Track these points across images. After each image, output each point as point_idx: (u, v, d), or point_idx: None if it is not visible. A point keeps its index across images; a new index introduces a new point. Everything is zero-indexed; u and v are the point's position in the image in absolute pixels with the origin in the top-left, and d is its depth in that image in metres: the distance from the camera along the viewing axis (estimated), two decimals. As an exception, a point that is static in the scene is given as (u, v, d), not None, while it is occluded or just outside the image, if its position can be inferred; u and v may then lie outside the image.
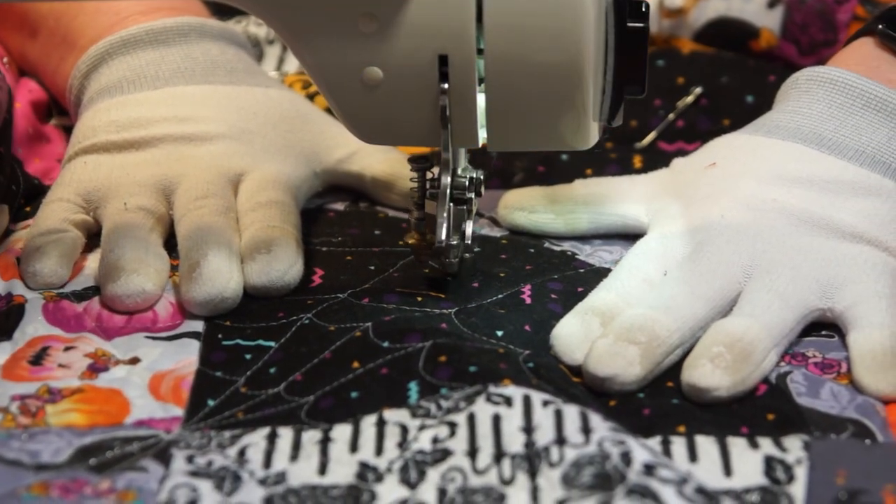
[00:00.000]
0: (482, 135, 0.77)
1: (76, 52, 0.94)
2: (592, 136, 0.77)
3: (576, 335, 0.78)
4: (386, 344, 0.76)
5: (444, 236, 0.78)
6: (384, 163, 0.93)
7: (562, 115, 0.75)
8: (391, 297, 0.82)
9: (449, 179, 0.78)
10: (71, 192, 0.87)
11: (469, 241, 0.82)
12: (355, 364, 0.75)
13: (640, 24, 0.74)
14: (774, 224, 0.82)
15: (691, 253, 0.81)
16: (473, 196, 0.81)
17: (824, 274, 0.80)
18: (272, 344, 0.78)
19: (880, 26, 0.88)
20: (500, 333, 0.79)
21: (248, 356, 0.77)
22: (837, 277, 0.80)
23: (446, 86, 0.74)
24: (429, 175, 0.82)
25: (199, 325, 0.80)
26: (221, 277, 0.80)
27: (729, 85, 1.01)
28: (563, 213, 0.89)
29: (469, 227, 0.82)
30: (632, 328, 0.76)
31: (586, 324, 0.78)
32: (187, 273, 0.81)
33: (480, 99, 0.76)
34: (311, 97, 1.00)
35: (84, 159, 0.89)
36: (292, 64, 1.05)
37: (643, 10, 0.74)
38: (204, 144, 0.89)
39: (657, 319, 0.76)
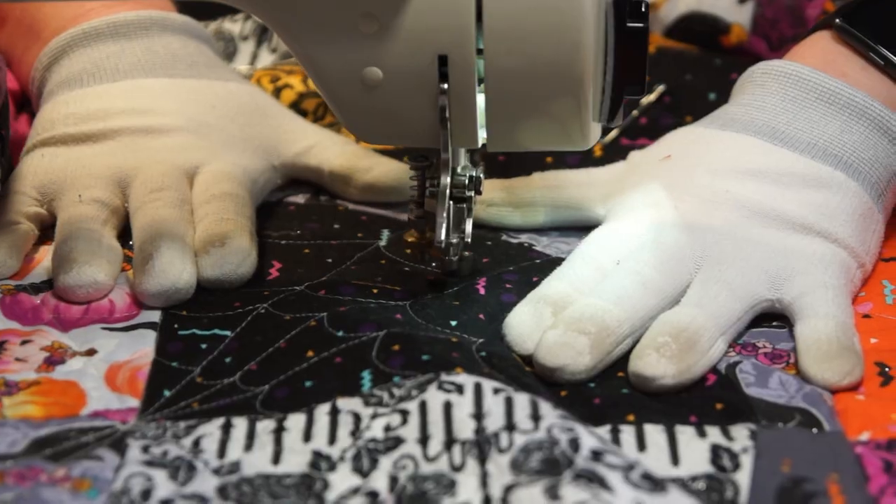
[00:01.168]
0: (482, 135, 0.77)
1: (39, 43, 0.94)
2: (592, 136, 0.77)
3: (527, 324, 0.78)
4: (340, 333, 0.77)
5: (443, 236, 0.78)
6: (341, 156, 0.93)
7: (561, 115, 0.75)
8: (347, 289, 0.82)
9: (448, 179, 0.78)
10: (27, 184, 0.87)
11: (469, 240, 0.82)
12: (310, 353, 0.76)
13: (640, 24, 0.74)
14: (726, 216, 0.82)
15: (644, 243, 0.81)
16: (473, 194, 0.81)
17: (774, 265, 0.80)
18: (228, 333, 0.78)
19: (837, 20, 0.88)
20: (454, 323, 0.79)
21: (203, 346, 0.78)
22: (786, 268, 0.80)
23: (446, 86, 0.74)
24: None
25: (155, 316, 0.80)
26: (174, 269, 0.80)
27: (692, 83, 1.01)
28: (520, 206, 0.89)
29: (469, 226, 0.82)
30: (582, 318, 0.76)
31: (538, 313, 0.78)
32: (140, 265, 0.81)
33: (480, 99, 0.75)
34: (277, 91, 1.00)
35: (41, 151, 0.89)
36: (265, 61, 1.05)
37: (643, 10, 0.73)
38: (160, 137, 0.89)
39: (607, 310, 0.76)
